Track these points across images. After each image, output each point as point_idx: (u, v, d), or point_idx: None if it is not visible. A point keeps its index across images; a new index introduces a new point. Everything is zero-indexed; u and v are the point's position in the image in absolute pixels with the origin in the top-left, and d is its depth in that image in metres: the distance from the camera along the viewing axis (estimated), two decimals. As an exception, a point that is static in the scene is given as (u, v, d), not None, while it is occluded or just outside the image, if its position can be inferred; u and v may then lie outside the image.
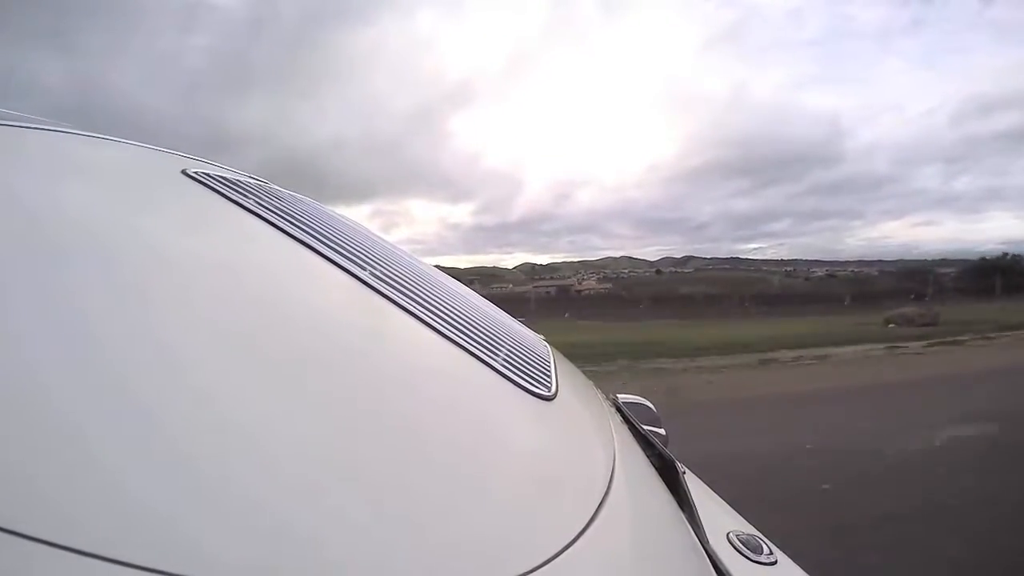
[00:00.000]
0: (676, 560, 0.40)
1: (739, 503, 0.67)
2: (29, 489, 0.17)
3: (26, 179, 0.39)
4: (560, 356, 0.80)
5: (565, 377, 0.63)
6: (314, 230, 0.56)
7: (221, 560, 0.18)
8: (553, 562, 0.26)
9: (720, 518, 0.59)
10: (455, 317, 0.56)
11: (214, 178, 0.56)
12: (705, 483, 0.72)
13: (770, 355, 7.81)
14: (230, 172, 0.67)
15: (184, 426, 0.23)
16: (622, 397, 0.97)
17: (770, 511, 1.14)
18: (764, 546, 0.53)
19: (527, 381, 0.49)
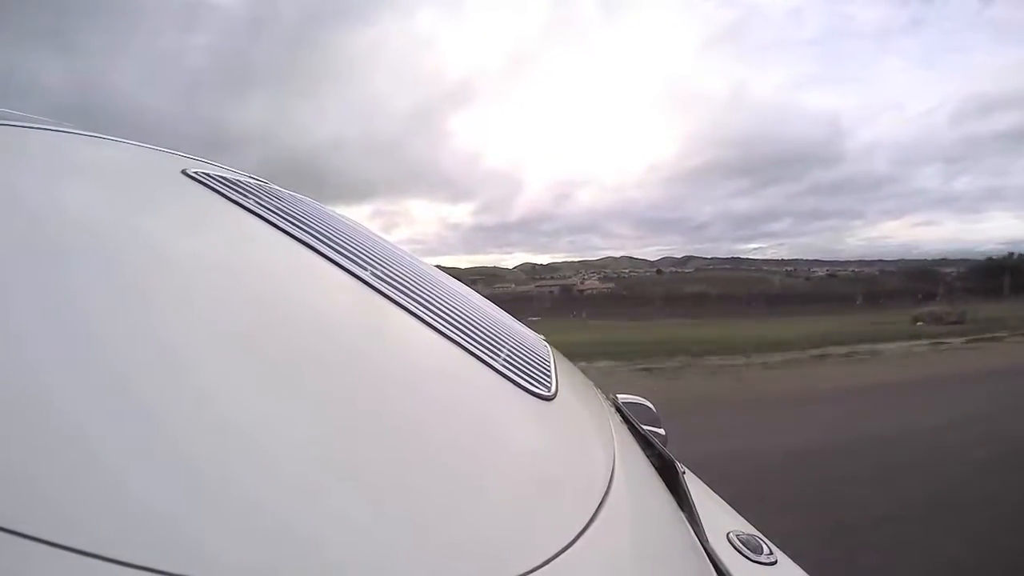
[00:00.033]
0: (676, 560, 0.40)
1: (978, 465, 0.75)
2: (29, 489, 0.17)
3: (26, 179, 0.39)
4: (560, 356, 0.80)
5: (565, 377, 0.63)
6: (314, 230, 0.56)
7: (221, 560, 0.18)
8: (553, 562, 0.26)
9: (720, 518, 0.59)
10: (456, 317, 0.56)
11: (214, 178, 0.56)
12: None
13: (821, 351, 8.02)
14: (230, 172, 0.67)
15: (184, 426, 0.23)
16: (622, 397, 0.97)
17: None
18: (764, 546, 0.53)
19: (527, 381, 0.49)
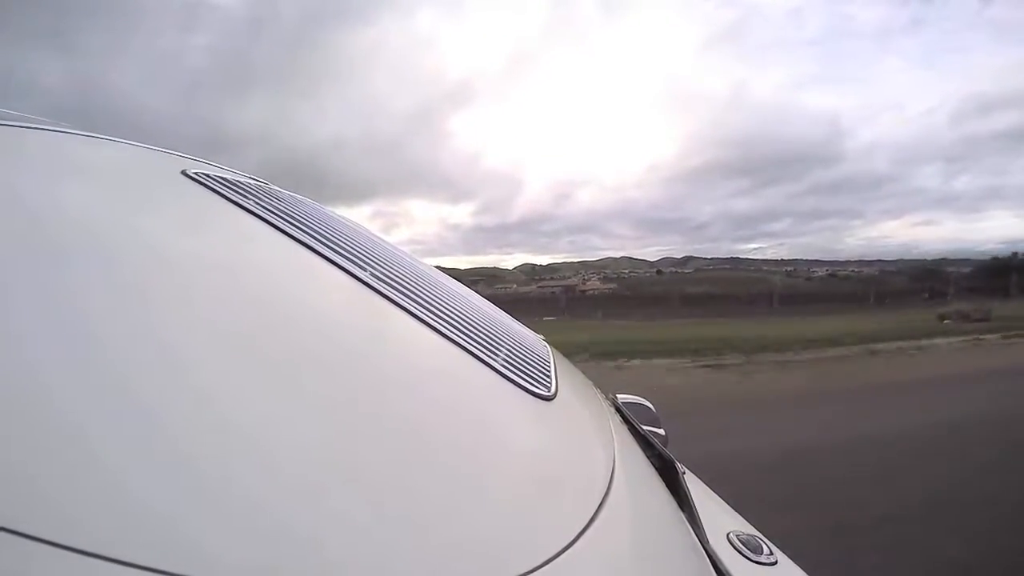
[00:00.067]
0: (676, 560, 0.40)
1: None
2: (30, 489, 0.17)
3: (26, 179, 0.39)
4: (560, 356, 0.80)
5: (565, 377, 0.63)
6: (314, 231, 0.56)
7: (221, 560, 0.18)
8: (553, 562, 0.26)
9: (720, 518, 0.59)
10: (455, 317, 0.56)
11: (214, 179, 0.56)
12: (704, 482, 0.72)
13: (868, 347, 8.20)
14: (230, 173, 0.67)
15: (185, 426, 0.23)
16: (622, 397, 0.97)
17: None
18: (764, 546, 0.53)
19: (527, 381, 0.49)
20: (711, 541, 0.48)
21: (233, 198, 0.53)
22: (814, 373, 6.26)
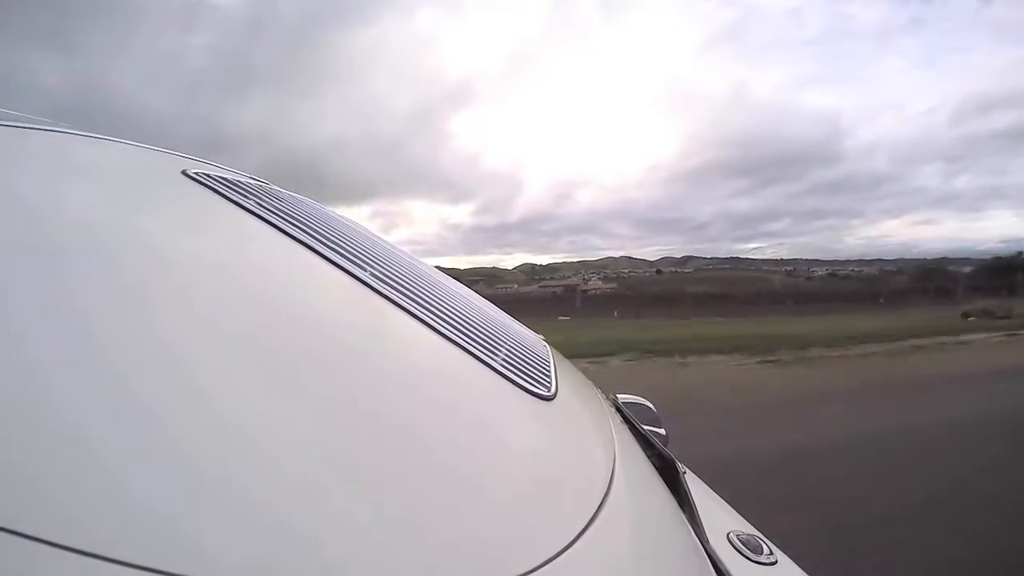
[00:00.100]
0: (676, 560, 0.40)
1: None
2: (29, 489, 0.17)
3: (26, 179, 0.39)
4: (560, 356, 0.80)
5: (565, 377, 0.63)
6: (314, 230, 0.56)
7: (221, 560, 0.18)
8: (553, 562, 0.26)
9: (720, 518, 0.59)
10: (455, 317, 0.56)
11: (214, 179, 0.56)
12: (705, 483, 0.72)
13: (910, 343, 8.49)
14: (230, 173, 0.67)
15: (184, 426, 0.23)
16: (622, 397, 0.97)
17: None
18: (764, 546, 0.53)
19: (527, 381, 0.49)
20: (711, 541, 0.48)
21: (233, 198, 0.53)
22: (875, 366, 6.55)
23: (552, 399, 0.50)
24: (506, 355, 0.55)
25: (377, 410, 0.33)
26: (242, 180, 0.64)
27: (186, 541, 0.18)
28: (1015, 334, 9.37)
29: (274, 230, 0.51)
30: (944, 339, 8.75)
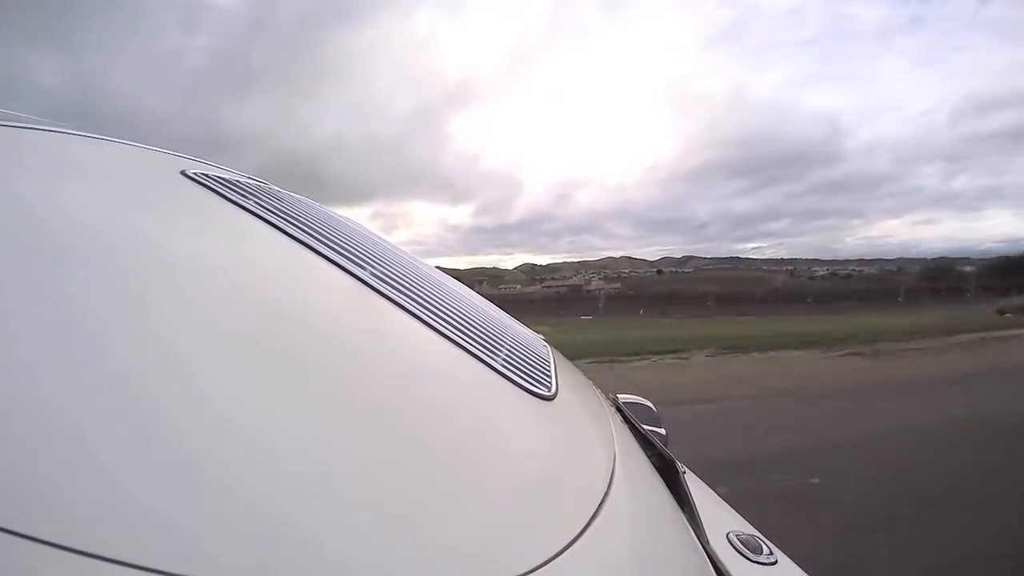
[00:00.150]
0: (676, 560, 0.40)
1: None
2: (29, 489, 0.17)
3: (26, 179, 0.39)
4: (560, 356, 0.80)
5: (565, 377, 0.63)
6: (314, 230, 0.56)
7: (221, 560, 0.18)
8: (553, 562, 0.26)
9: (720, 518, 0.59)
10: (455, 317, 0.56)
11: (213, 179, 0.56)
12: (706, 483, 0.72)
13: (975, 336, 8.92)
14: (229, 173, 0.67)
15: (184, 426, 0.23)
16: (622, 397, 0.97)
17: None
18: (764, 546, 0.53)
19: (527, 381, 0.49)
20: (711, 541, 0.48)
21: (233, 198, 0.53)
22: (956, 357, 6.97)
23: (552, 399, 0.50)
24: (507, 355, 0.55)
25: (378, 410, 0.33)
26: (241, 180, 0.64)
27: (186, 541, 0.18)
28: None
29: (274, 230, 0.51)
30: (997, 333, 9.11)
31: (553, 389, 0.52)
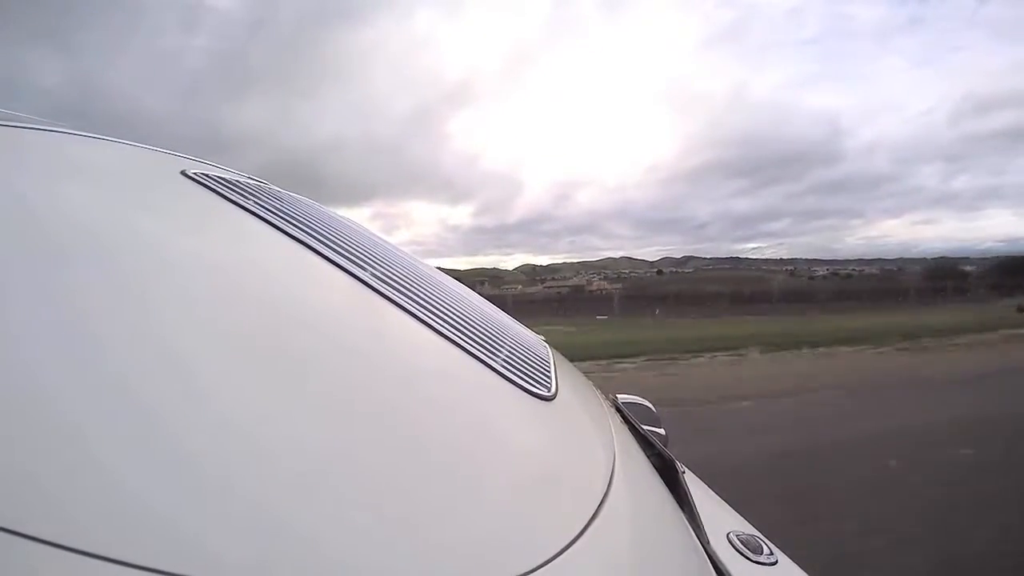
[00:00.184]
0: (676, 560, 0.40)
1: None
2: (29, 489, 0.17)
3: (26, 179, 0.39)
4: (560, 356, 0.80)
5: (565, 377, 0.63)
6: (314, 231, 0.56)
7: (221, 560, 0.18)
8: (553, 562, 0.26)
9: (720, 518, 0.59)
10: (455, 318, 0.56)
11: (213, 179, 0.56)
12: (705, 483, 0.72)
13: (1007, 332, 9.21)
14: (229, 173, 0.67)
15: (184, 426, 0.23)
16: (622, 397, 0.97)
17: None
18: (764, 546, 0.53)
19: (527, 381, 0.49)
20: (711, 541, 0.48)
21: (233, 198, 0.53)
22: (1004, 351, 7.27)
23: (552, 399, 0.50)
24: (506, 355, 0.55)
25: (377, 410, 0.33)
26: (241, 180, 0.64)
27: (186, 541, 0.18)
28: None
29: (274, 230, 0.51)
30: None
31: (553, 389, 0.52)
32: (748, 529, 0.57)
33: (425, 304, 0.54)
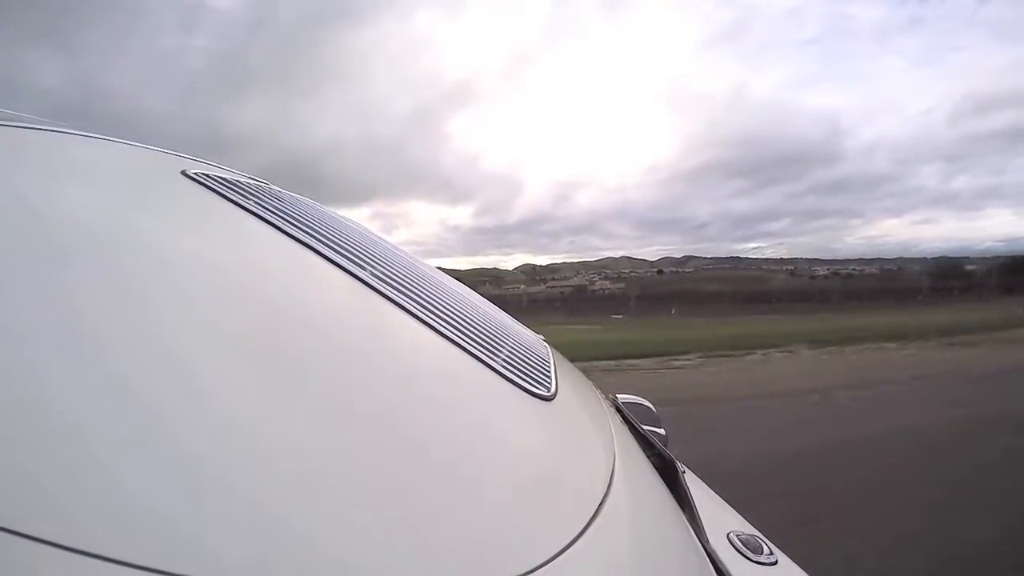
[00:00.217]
0: (676, 560, 0.40)
1: None
2: (29, 489, 0.17)
3: (26, 179, 0.39)
4: (560, 356, 0.80)
5: (565, 377, 0.63)
6: (314, 230, 0.56)
7: (222, 560, 0.18)
8: (553, 562, 0.26)
9: (720, 518, 0.59)
10: (455, 318, 0.56)
11: (214, 179, 0.56)
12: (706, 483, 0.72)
13: None
14: (230, 173, 0.67)
15: (184, 426, 0.23)
16: (622, 397, 0.97)
17: None
18: (764, 546, 0.53)
19: (527, 381, 0.49)
20: (711, 541, 0.48)
21: (233, 198, 0.53)
22: None
23: (552, 399, 0.50)
24: (507, 355, 0.55)
25: (378, 410, 0.33)
26: (241, 180, 0.64)
27: (186, 541, 0.18)
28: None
29: (274, 230, 0.51)
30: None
31: (553, 389, 0.52)
32: (748, 529, 0.57)
33: (425, 304, 0.54)
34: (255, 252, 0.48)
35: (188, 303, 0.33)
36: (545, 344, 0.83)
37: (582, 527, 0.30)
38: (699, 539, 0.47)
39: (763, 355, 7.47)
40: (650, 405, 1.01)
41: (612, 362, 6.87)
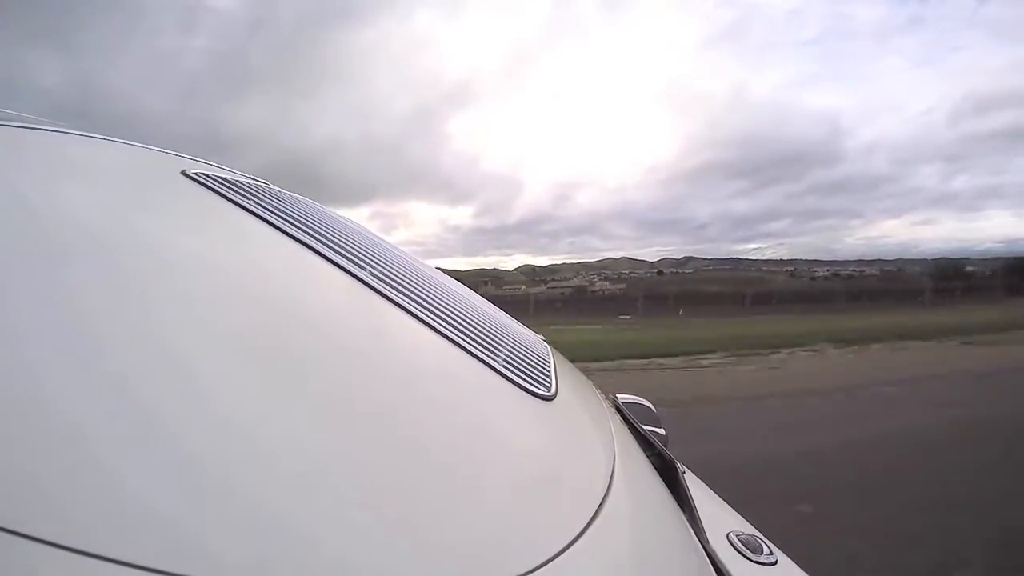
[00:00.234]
0: (676, 560, 0.40)
1: None
2: (29, 489, 0.17)
3: (26, 179, 0.39)
4: (560, 356, 0.80)
5: (565, 377, 0.63)
6: (314, 230, 0.56)
7: (221, 560, 0.18)
8: (553, 562, 0.26)
9: (720, 518, 0.59)
10: (455, 317, 0.56)
11: (214, 179, 0.57)
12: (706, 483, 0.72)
13: None
14: (230, 173, 0.67)
15: (184, 426, 0.23)
16: (622, 397, 0.97)
17: None
18: (764, 546, 0.53)
19: (527, 381, 0.49)
20: (711, 541, 0.48)
21: (233, 198, 0.53)
22: None
23: (552, 399, 0.50)
24: (507, 355, 0.55)
25: (377, 410, 0.33)
26: (241, 180, 0.64)
27: (186, 541, 0.18)
28: None
29: (274, 230, 0.51)
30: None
31: (553, 389, 0.52)
32: (748, 529, 0.57)
33: (425, 304, 0.54)
34: (255, 252, 0.48)
35: (188, 303, 0.33)
36: (545, 344, 0.83)
37: (582, 527, 0.30)
38: (699, 539, 0.47)
39: (787, 354, 7.48)
40: (650, 405, 1.01)
41: (643, 360, 6.86)
